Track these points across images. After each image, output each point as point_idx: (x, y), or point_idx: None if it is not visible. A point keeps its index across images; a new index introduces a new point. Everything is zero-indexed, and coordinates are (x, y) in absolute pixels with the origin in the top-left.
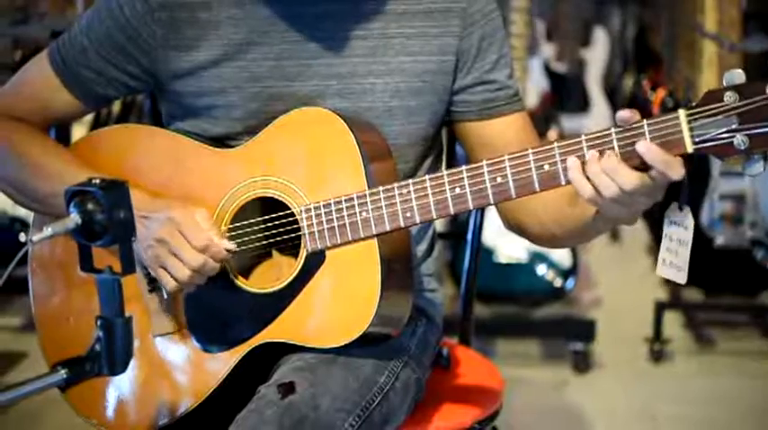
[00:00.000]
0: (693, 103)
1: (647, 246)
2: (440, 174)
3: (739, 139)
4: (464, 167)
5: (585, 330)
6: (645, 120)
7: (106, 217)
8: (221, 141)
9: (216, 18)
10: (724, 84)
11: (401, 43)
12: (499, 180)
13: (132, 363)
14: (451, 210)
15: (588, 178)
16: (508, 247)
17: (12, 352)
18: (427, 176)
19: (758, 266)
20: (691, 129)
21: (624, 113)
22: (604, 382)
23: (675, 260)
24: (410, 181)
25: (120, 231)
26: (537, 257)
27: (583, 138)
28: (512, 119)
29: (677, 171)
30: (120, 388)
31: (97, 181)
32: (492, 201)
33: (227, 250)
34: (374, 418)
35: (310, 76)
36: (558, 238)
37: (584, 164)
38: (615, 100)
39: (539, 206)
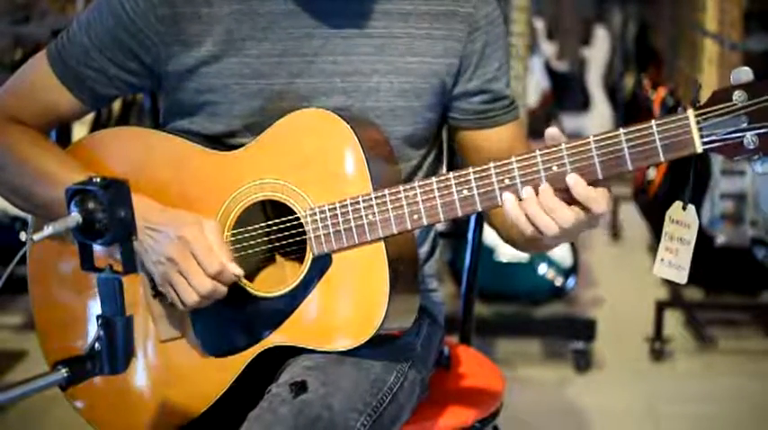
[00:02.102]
0: (701, 103)
1: (647, 245)
2: (446, 176)
3: (749, 139)
4: (471, 169)
5: (586, 329)
6: (654, 121)
7: (107, 215)
8: (221, 140)
9: (218, 13)
10: (732, 82)
11: (407, 43)
12: (507, 182)
13: (140, 368)
14: (459, 212)
15: (527, 216)
16: (509, 246)
17: (12, 350)
18: (434, 178)
19: (759, 265)
20: (700, 130)
21: (553, 131)
22: (605, 381)
23: (675, 259)
24: (416, 183)
25: (120, 230)
26: (537, 256)
27: (591, 139)
28: (507, 127)
29: (600, 206)
30: (128, 393)
31: (98, 179)
32: (500, 203)
33: (236, 275)
34: (384, 418)
35: (314, 73)
36: (520, 245)
37: (520, 199)
38: (616, 99)
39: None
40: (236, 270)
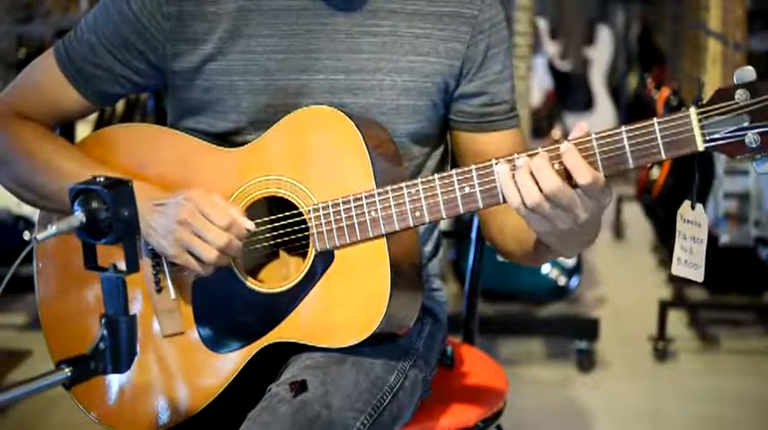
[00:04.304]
0: (704, 101)
1: (651, 245)
2: (449, 173)
3: (751, 137)
4: (473, 166)
5: (590, 329)
6: (655, 119)
7: (110, 215)
8: (227, 138)
9: (224, 10)
10: (735, 81)
11: (410, 43)
12: None
13: (142, 364)
14: (461, 209)
15: (516, 183)
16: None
17: (16, 350)
18: (436, 175)
19: (762, 265)
20: (702, 128)
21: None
22: (608, 381)
23: (691, 258)
24: (419, 180)
25: (124, 229)
26: None
27: (593, 136)
28: (506, 134)
29: (584, 177)
30: (130, 389)
31: (101, 179)
32: (502, 200)
33: (248, 229)
34: (384, 418)
35: (318, 70)
36: (516, 256)
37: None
38: (619, 98)
39: (505, 221)
40: (246, 223)
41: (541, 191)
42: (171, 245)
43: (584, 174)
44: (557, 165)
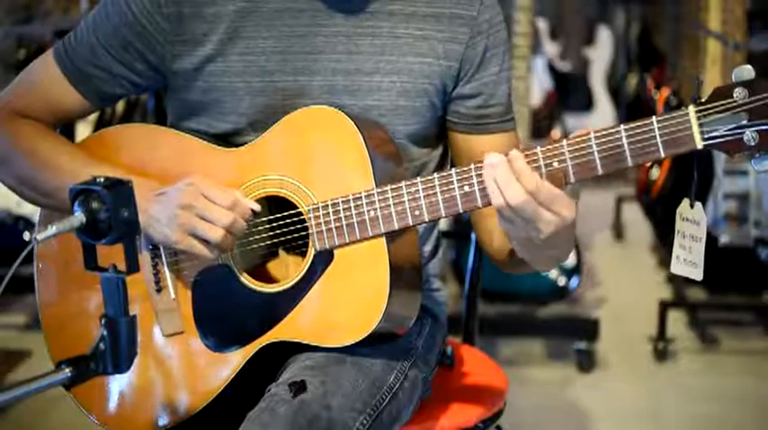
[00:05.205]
0: (702, 99)
1: (651, 246)
2: (448, 172)
3: (749, 135)
4: (473, 165)
5: (589, 329)
6: (654, 117)
7: (110, 215)
8: (226, 139)
9: (223, 11)
10: (733, 80)
11: (409, 44)
12: None
13: (141, 364)
14: (460, 208)
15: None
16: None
17: (16, 350)
18: (436, 174)
19: (762, 265)
20: (700, 126)
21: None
22: (608, 381)
23: (689, 256)
24: (418, 179)
25: (124, 229)
26: None
27: (592, 134)
28: (501, 137)
29: (528, 183)
30: (129, 388)
31: (101, 179)
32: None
33: (252, 209)
34: (383, 418)
35: (317, 71)
36: (500, 261)
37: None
38: (619, 99)
39: (492, 224)
40: (250, 203)
41: (524, 190)
42: (174, 231)
43: (528, 180)
44: (556, 164)
